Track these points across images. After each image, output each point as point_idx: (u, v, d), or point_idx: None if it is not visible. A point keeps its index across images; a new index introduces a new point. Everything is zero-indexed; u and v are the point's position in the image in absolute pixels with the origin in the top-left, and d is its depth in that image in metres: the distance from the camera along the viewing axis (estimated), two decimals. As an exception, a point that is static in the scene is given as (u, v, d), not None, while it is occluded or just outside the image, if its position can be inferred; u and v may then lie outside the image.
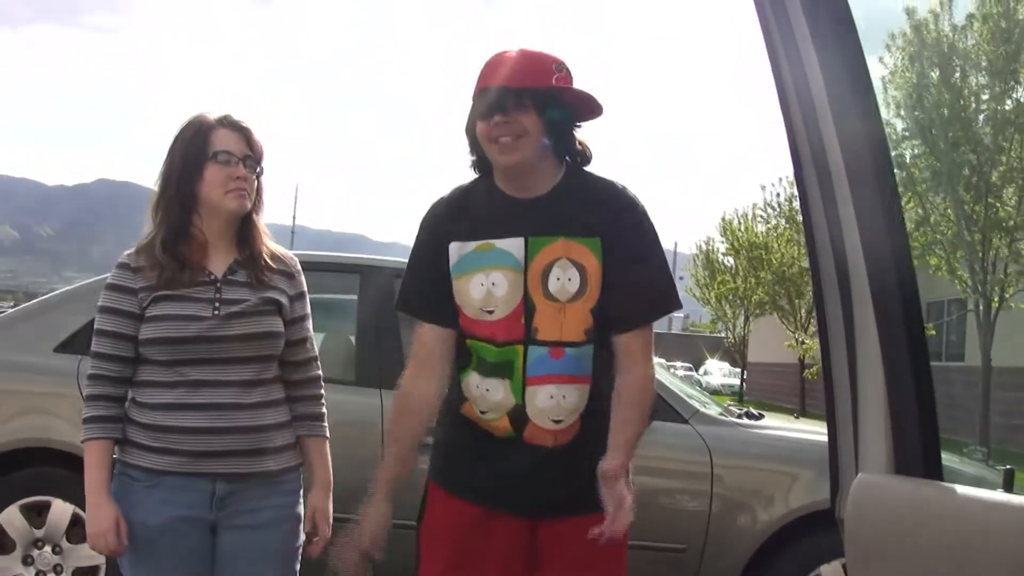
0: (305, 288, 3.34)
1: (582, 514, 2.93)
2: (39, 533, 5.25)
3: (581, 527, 2.92)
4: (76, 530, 5.23)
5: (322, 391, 3.39)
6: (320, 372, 3.39)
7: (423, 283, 3.06)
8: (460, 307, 3.00)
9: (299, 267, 3.34)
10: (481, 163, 3.02)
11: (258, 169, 3.18)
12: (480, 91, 2.89)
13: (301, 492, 3.28)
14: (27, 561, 5.25)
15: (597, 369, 2.97)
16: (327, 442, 3.37)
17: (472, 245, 2.98)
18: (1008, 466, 2.48)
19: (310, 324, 3.35)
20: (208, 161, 3.10)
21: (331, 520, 3.30)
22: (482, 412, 3.00)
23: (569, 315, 2.92)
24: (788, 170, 2.49)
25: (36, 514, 5.26)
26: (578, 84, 2.92)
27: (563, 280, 2.92)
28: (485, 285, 2.95)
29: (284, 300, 3.23)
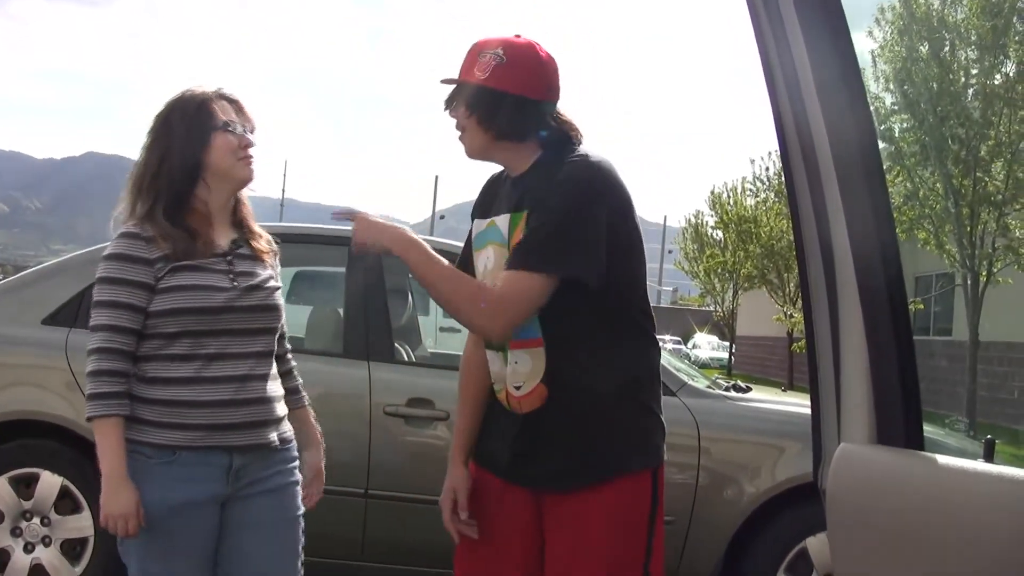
0: (279, 268, 3.40)
1: (578, 487, 2.96)
2: (27, 505, 5.26)
3: (581, 502, 2.96)
4: (64, 502, 5.25)
5: (294, 363, 3.46)
6: (289, 345, 3.46)
7: (465, 258, 3.19)
8: None
9: (276, 246, 3.39)
10: None
11: (254, 140, 3.21)
12: None
13: (298, 461, 3.33)
14: (15, 532, 5.26)
15: (552, 333, 2.94)
16: (310, 410, 3.50)
17: (484, 223, 3.09)
18: (989, 436, 2.49)
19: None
20: (217, 130, 3.11)
21: (324, 476, 3.48)
22: (493, 383, 3.10)
23: None
24: (777, 144, 2.50)
25: (24, 486, 5.27)
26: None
27: None
28: (483, 259, 3.06)
29: (277, 275, 3.30)
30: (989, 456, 2.42)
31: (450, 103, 3.00)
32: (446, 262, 2.91)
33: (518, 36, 2.99)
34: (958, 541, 2.19)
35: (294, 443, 3.31)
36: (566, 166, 2.93)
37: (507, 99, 2.93)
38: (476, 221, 3.12)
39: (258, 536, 3.18)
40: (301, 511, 3.30)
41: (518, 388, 2.98)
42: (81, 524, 5.25)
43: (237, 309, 3.09)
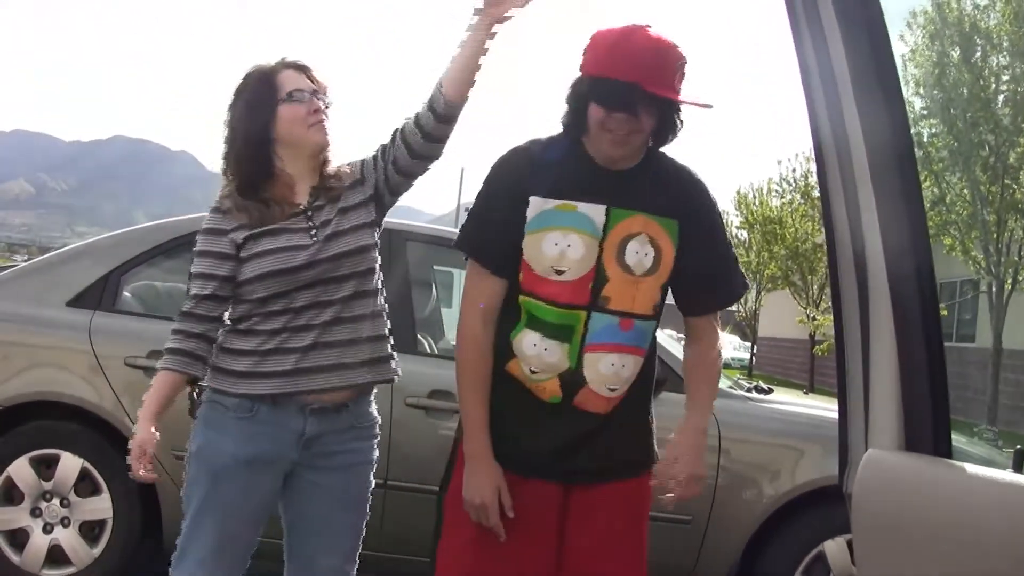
0: (366, 158, 3.38)
1: (611, 480, 3.03)
2: (47, 486, 5.26)
3: (610, 494, 3.02)
4: (84, 484, 5.26)
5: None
6: None
7: (495, 233, 3.03)
8: (527, 262, 2.98)
9: (356, 164, 3.38)
10: (573, 126, 2.97)
11: (327, 101, 3.27)
12: (607, 79, 2.81)
13: (378, 438, 3.40)
14: (35, 513, 5.27)
15: (652, 345, 3.09)
16: None
17: (553, 203, 2.97)
18: (1019, 446, 2.47)
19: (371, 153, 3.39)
20: (281, 102, 3.20)
21: None
22: (532, 372, 2.99)
23: (642, 289, 2.97)
24: (804, 145, 2.50)
25: (45, 467, 5.27)
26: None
27: (640, 254, 2.96)
28: (560, 245, 2.94)
29: (364, 198, 3.32)
30: (1019, 466, 2.40)
31: (644, 108, 2.82)
32: (710, 388, 3.11)
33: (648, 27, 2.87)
34: (985, 551, 2.17)
35: (376, 420, 3.40)
36: (694, 179, 3.07)
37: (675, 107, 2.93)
38: (535, 199, 2.97)
39: (324, 509, 3.30)
40: (371, 488, 3.39)
41: (613, 390, 3.00)
42: (100, 506, 5.25)
43: (321, 261, 3.18)
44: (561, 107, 2.98)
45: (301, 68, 3.25)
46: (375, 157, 3.34)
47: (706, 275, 3.05)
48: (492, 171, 3.07)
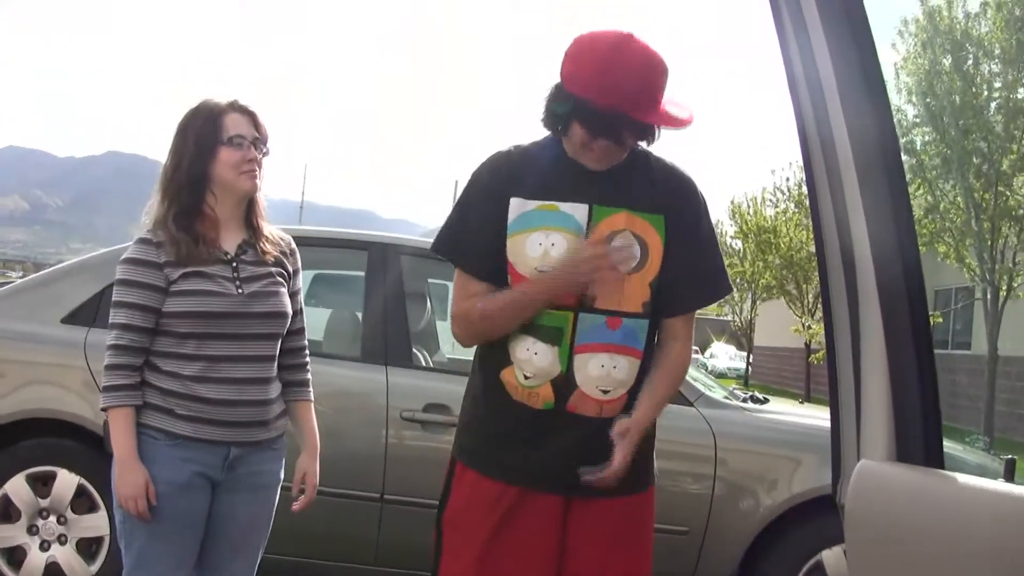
0: (300, 265, 3.56)
1: (612, 496, 2.96)
2: (44, 503, 5.26)
3: (611, 509, 2.98)
4: (81, 501, 5.26)
5: (308, 359, 3.60)
6: (307, 341, 3.60)
7: (477, 237, 2.99)
8: (512, 264, 2.95)
9: (295, 245, 3.55)
10: (553, 126, 2.93)
11: (264, 150, 3.36)
12: (593, 106, 2.77)
13: (284, 451, 3.51)
14: (32, 531, 5.27)
15: (648, 346, 3.01)
16: (312, 406, 3.60)
17: (534, 204, 2.94)
18: (1010, 456, 2.47)
19: (302, 297, 3.58)
20: (222, 144, 3.27)
21: (317, 482, 3.55)
22: (526, 377, 2.96)
23: (629, 286, 2.92)
24: (798, 155, 2.50)
25: (42, 484, 5.27)
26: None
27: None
28: (543, 245, 2.91)
29: (287, 278, 3.44)
30: (1009, 475, 2.40)
31: (622, 136, 2.87)
32: (669, 384, 3.05)
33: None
34: (976, 561, 2.17)
35: (283, 440, 3.48)
36: (681, 175, 3.05)
37: None
38: (515, 200, 2.94)
39: (243, 528, 3.40)
40: (275, 506, 3.48)
41: (605, 392, 2.95)
42: (97, 523, 5.25)
43: (242, 315, 3.27)
44: (540, 109, 2.93)
45: (248, 113, 3.34)
46: (296, 292, 3.51)
47: (688, 271, 2.98)
48: (472, 175, 3.06)
